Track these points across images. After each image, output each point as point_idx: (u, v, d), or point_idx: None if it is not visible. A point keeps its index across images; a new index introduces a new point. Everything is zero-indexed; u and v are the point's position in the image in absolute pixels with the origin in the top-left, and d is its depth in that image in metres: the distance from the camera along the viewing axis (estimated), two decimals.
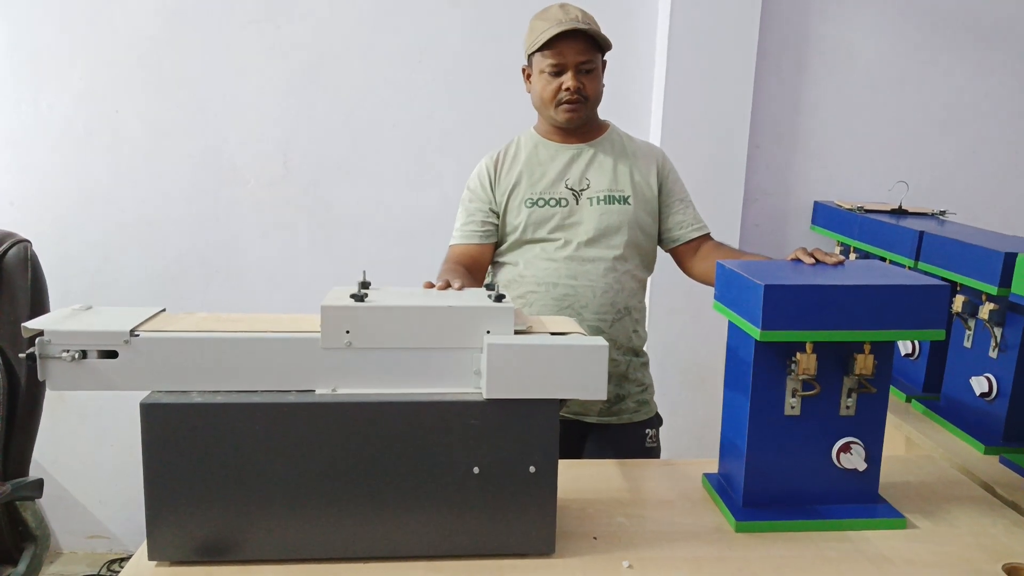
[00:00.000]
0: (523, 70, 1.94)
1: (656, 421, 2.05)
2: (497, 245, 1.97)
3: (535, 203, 1.90)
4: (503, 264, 1.97)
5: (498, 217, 1.94)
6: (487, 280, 2.02)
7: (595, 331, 1.88)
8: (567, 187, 1.91)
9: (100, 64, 2.75)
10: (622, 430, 1.98)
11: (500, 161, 1.95)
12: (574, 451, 1.99)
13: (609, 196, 1.90)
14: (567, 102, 1.84)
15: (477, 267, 1.93)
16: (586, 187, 1.91)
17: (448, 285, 1.45)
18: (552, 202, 1.89)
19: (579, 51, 1.81)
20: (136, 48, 2.74)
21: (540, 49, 1.82)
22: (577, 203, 1.90)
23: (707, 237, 1.97)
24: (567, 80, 1.83)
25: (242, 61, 2.77)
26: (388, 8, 2.76)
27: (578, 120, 1.88)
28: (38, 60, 2.74)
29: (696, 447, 2.75)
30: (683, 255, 1.99)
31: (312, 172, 2.86)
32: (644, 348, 2.04)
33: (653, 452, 2.03)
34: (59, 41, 2.73)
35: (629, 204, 1.90)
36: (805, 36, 2.86)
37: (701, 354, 2.75)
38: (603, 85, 1.91)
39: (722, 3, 2.68)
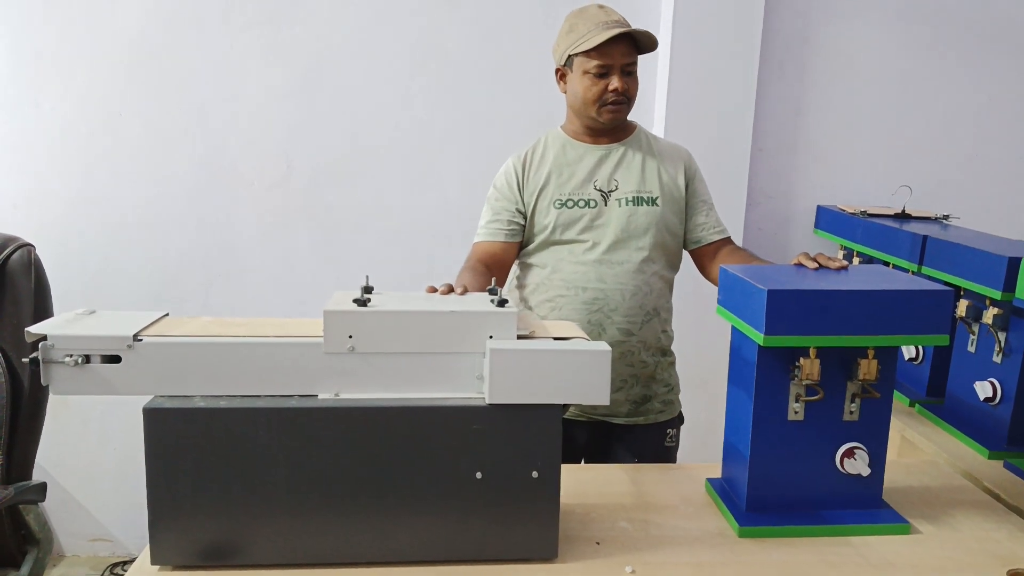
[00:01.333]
0: (557, 71, 1.93)
1: (678, 420, 2.06)
2: (524, 244, 1.98)
3: (564, 204, 1.90)
4: (531, 266, 1.97)
5: (525, 217, 1.94)
6: (514, 282, 2.04)
7: (625, 334, 1.89)
8: (596, 188, 1.91)
9: (101, 67, 2.75)
10: (646, 430, 1.98)
11: (528, 161, 1.96)
12: (600, 452, 2.00)
13: (637, 197, 1.90)
14: (613, 103, 1.85)
15: (500, 265, 1.93)
16: (614, 188, 1.91)
17: (451, 290, 1.45)
18: (581, 203, 1.90)
19: (625, 53, 1.82)
20: (137, 50, 2.75)
21: (586, 50, 1.82)
22: (606, 204, 1.90)
23: (727, 241, 1.98)
24: (614, 82, 1.83)
25: (243, 64, 2.77)
26: (389, 10, 2.76)
27: (620, 120, 1.90)
28: (39, 63, 2.74)
29: (700, 450, 2.74)
30: (702, 257, 1.99)
31: (314, 174, 2.86)
32: (672, 347, 2.04)
33: (671, 451, 2.04)
34: (60, 44, 2.73)
35: (657, 205, 1.91)
36: (808, 40, 2.86)
37: (704, 357, 2.74)
38: None
39: (724, 7, 2.68)
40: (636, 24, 1.86)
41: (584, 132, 1.95)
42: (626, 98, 1.86)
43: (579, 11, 1.87)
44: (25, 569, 1.89)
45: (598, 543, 1.38)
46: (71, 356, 1.21)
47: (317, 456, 1.23)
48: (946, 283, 1.90)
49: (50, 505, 1.98)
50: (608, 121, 1.88)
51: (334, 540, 1.26)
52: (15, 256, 1.88)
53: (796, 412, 1.43)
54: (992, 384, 1.82)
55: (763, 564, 1.33)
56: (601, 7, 1.85)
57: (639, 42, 1.83)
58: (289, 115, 2.81)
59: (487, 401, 1.25)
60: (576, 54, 1.84)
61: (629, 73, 1.85)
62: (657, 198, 1.91)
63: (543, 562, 1.31)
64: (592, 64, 1.82)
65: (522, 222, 1.94)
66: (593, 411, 1.95)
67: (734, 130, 2.76)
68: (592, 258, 1.89)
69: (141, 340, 1.24)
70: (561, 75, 1.93)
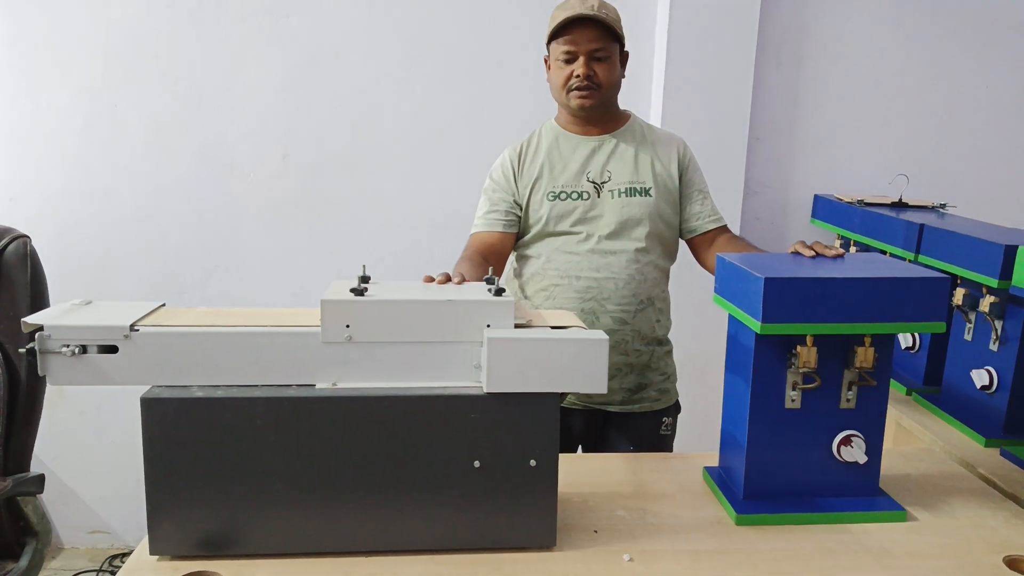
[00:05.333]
0: (545, 59, 1.95)
1: (674, 409, 2.07)
2: (520, 235, 1.98)
3: (557, 196, 1.90)
4: (528, 257, 1.98)
5: (521, 208, 1.95)
6: (511, 272, 2.05)
7: (618, 322, 1.89)
8: (588, 180, 1.91)
9: (99, 58, 2.74)
10: (642, 418, 1.99)
11: (523, 153, 1.96)
12: (596, 440, 2.01)
13: (631, 188, 1.90)
14: (577, 88, 1.85)
15: (497, 256, 1.93)
16: (607, 179, 1.91)
17: (448, 279, 1.45)
18: (574, 195, 1.90)
19: (591, 38, 1.82)
20: (135, 42, 2.74)
21: (555, 37, 1.85)
22: (599, 196, 1.90)
23: (723, 229, 1.98)
24: (578, 67, 1.84)
25: (241, 55, 2.76)
26: (387, 1, 2.75)
27: (590, 106, 1.88)
28: (37, 54, 2.73)
29: (696, 439, 2.74)
30: (698, 246, 2.00)
31: (311, 166, 2.85)
32: (668, 336, 2.05)
33: (667, 439, 2.05)
34: (58, 35, 2.72)
35: (650, 196, 1.91)
36: (805, 28, 2.85)
37: (701, 346, 2.75)
38: (622, 75, 1.92)
39: None
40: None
41: (573, 122, 1.96)
42: (594, 84, 1.85)
43: (564, 1, 1.88)
44: (24, 561, 1.89)
45: (596, 532, 1.38)
46: (68, 346, 1.21)
47: (315, 446, 1.23)
48: (943, 271, 1.89)
49: (48, 497, 1.98)
50: (577, 108, 1.89)
51: (332, 529, 1.26)
52: (11, 248, 1.88)
53: (793, 400, 1.44)
54: (988, 372, 1.82)
55: (760, 552, 1.34)
56: None
57: (613, 29, 1.84)
58: (287, 106, 2.81)
59: (485, 390, 1.25)
60: (550, 42, 1.88)
61: (599, 59, 1.85)
62: (650, 188, 1.91)
63: (541, 551, 1.31)
64: (560, 50, 1.85)
65: (519, 213, 1.95)
66: (589, 399, 1.96)
67: (731, 119, 2.75)
68: (586, 248, 1.89)
69: (138, 330, 1.24)
70: (547, 64, 1.94)
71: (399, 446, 1.25)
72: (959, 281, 1.88)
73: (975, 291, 1.84)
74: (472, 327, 1.28)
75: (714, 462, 1.61)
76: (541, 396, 1.26)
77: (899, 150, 2.95)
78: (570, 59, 1.85)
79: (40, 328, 1.21)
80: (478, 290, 1.37)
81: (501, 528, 1.29)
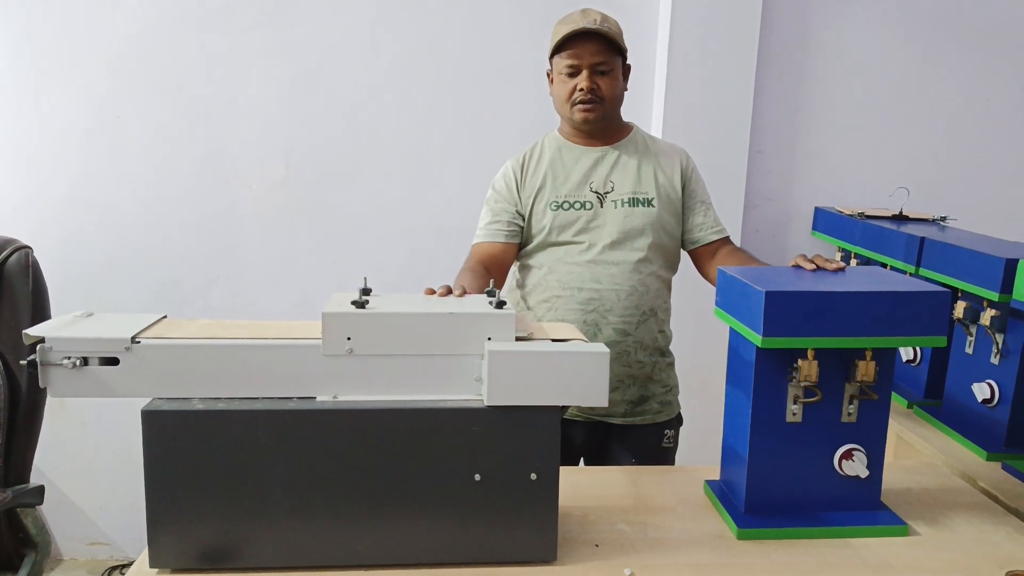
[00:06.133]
0: (547, 74, 1.96)
1: (676, 422, 2.06)
2: (522, 245, 1.98)
3: (559, 206, 1.91)
4: (530, 267, 1.98)
5: (523, 219, 1.95)
6: (513, 282, 2.05)
7: (621, 334, 1.89)
8: (591, 190, 1.92)
9: (101, 68, 2.75)
10: (644, 431, 1.99)
11: (525, 164, 1.97)
12: (598, 452, 2.01)
13: (633, 199, 1.91)
14: (581, 102, 1.86)
15: (499, 266, 1.94)
16: (610, 190, 1.92)
17: (449, 291, 1.45)
18: (577, 205, 1.90)
19: (594, 52, 1.83)
20: (137, 51, 2.75)
21: (558, 51, 1.86)
22: (602, 206, 1.91)
23: (726, 241, 1.98)
24: (581, 80, 1.85)
25: (243, 64, 2.77)
26: (389, 10, 2.76)
27: (594, 120, 1.89)
28: (40, 64, 2.74)
29: (699, 451, 2.74)
30: (700, 257, 2.00)
31: (314, 175, 2.86)
32: (670, 348, 2.04)
33: (669, 452, 2.04)
34: (60, 44, 2.74)
35: (653, 206, 1.91)
36: (806, 41, 2.86)
37: (703, 357, 2.75)
38: (624, 87, 1.93)
39: (722, 7, 2.68)
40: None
41: (577, 134, 1.97)
42: (598, 98, 1.87)
43: (565, 16, 1.89)
44: (23, 573, 1.89)
45: (597, 545, 1.38)
46: (69, 358, 1.21)
47: (316, 459, 1.23)
48: (943, 285, 1.89)
49: (48, 508, 1.98)
50: (581, 121, 1.90)
51: (333, 543, 1.26)
52: (13, 258, 1.88)
53: (794, 414, 1.44)
54: (990, 386, 1.82)
55: (762, 566, 1.33)
56: (584, 11, 1.87)
57: (616, 42, 1.85)
58: (290, 115, 2.81)
59: (485, 403, 1.25)
60: (553, 56, 1.89)
61: (602, 73, 1.86)
62: (653, 199, 1.92)
63: (542, 564, 1.31)
64: (563, 64, 1.86)
65: (521, 223, 1.95)
66: (591, 411, 1.95)
67: (732, 132, 2.76)
68: (588, 259, 1.90)
69: (139, 342, 1.24)
70: (550, 78, 1.95)
71: (400, 459, 1.25)
72: (960, 294, 1.88)
73: (976, 304, 1.84)
74: (473, 340, 1.28)
75: (716, 475, 1.61)
76: (542, 409, 1.26)
77: (900, 163, 2.95)
78: (573, 73, 1.86)
79: (41, 340, 1.21)
80: (479, 302, 1.37)
81: (501, 542, 1.29)
